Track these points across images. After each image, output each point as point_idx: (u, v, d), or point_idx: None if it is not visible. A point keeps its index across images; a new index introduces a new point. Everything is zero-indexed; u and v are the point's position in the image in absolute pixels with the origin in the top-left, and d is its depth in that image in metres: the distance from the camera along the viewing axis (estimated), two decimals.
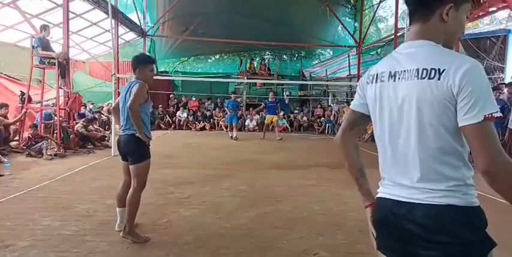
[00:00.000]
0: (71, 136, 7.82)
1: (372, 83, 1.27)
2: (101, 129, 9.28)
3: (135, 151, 3.10)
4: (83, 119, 8.59)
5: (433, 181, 1.11)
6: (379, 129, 1.26)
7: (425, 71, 1.09)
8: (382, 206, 1.26)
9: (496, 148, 1.01)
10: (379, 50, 13.57)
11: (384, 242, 1.31)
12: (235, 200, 4.40)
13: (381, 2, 13.52)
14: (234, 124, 11.33)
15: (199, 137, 11.18)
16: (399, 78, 1.17)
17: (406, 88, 1.14)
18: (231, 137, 11.04)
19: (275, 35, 15.52)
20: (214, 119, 14.38)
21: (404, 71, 1.15)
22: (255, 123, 14.20)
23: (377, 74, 1.25)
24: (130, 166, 3.12)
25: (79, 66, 15.23)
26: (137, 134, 3.03)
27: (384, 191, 1.26)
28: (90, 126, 8.96)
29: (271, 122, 11.62)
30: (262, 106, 12.18)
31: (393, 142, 1.20)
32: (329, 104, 16.20)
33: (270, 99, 11.51)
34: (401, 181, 1.18)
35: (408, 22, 10.14)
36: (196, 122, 14.13)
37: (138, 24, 14.19)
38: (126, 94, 3.13)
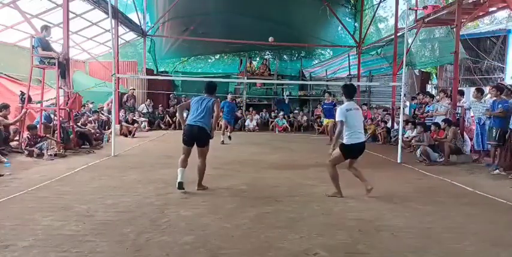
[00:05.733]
0: (71, 135, 7.81)
1: None
2: (98, 130, 9.27)
3: (206, 139, 4.79)
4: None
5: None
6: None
7: None
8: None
9: None
10: (379, 50, 13.57)
11: (352, 155, 4.52)
12: (235, 200, 4.40)
13: (380, 2, 13.52)
14: (229, 126, 10.30)
15: None
16: None
17: None
18: (223, 141, 9.94)
19: (275, 35, 15.49)
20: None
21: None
22: (255, 124, 14.20)
23: None
24: (199, 148, 4.79)
25: (79, 66, 15.22)
26: (210, 131, 4.77)
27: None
28: (88, 125, 9.01)
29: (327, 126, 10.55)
30: (320, 110, 11.06)
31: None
32: None
33: (326, 101, 10.31)
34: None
35: (407, 22, 10.01)
36: None
37: (138, 24, 14.20)
38: (203, 102, 4.77)
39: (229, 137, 10.24)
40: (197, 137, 4.69)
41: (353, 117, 4.43)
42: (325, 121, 10.48)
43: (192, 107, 4.82)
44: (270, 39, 14.43)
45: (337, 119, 4.49)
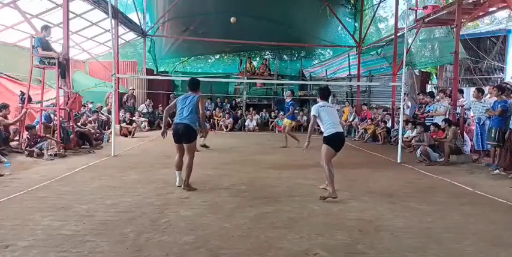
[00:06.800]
0: (71, 135, 7.81)
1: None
2: (98, 130, 9.27)
3: (191, 135, 4.85)
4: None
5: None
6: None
7: None
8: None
9: None
10: (379, 50, 13.56)
11: (337, 147, 4.72)
12: (235, 200, 4.40)
13: (380, 2, 13.52)
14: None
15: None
16: None
17: None
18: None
19: (275, 35, 15.51)
20: (214, 119, 14.38)
21: None
22: (255, 124, 14.19)
23: None
24: (185, 145, 4.84)
25: (79, 66, 15.22)
26: (197, 125, 4.86)
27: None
28: (88, 125, 9.02)
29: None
30: None
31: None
32: None
33: (287, 100, 9.34)
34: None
35: (407, 22, 9.99)
36: None
37: (138, 24, 14.20)
38: (187, 100, 4.85)
39: (205, 145, 8.79)
40: (182, 134, 4.80)
41: (326, 112, 4.80)
42: (284, 121, 9.73)
43: (178, 106, 4.94)
44: (232, 19, 12.39)
45: (311, 115, 4.93)
